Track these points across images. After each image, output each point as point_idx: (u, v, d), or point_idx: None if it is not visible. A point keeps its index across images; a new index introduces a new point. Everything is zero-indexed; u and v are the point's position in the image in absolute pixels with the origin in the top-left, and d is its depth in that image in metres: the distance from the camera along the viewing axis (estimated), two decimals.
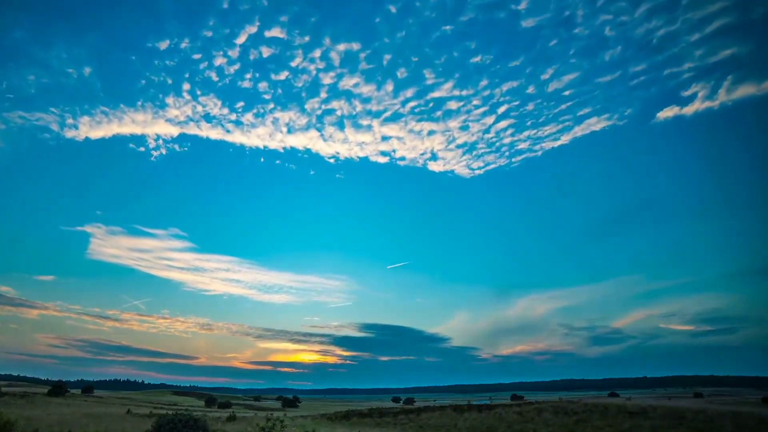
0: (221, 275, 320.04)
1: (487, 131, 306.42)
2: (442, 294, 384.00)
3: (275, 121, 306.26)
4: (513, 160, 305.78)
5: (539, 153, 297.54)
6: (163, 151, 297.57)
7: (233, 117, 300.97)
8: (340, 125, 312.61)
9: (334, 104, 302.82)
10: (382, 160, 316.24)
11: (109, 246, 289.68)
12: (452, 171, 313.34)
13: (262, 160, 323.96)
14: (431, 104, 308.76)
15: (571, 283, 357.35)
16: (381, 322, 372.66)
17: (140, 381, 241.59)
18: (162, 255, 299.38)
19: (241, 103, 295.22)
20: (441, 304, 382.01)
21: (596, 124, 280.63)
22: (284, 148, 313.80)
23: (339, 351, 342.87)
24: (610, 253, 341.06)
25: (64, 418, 25.15)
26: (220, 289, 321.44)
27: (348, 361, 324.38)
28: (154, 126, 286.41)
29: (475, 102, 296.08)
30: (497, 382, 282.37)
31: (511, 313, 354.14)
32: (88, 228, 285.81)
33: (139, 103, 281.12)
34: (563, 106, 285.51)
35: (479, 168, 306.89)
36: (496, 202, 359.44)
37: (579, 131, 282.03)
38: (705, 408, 29.48)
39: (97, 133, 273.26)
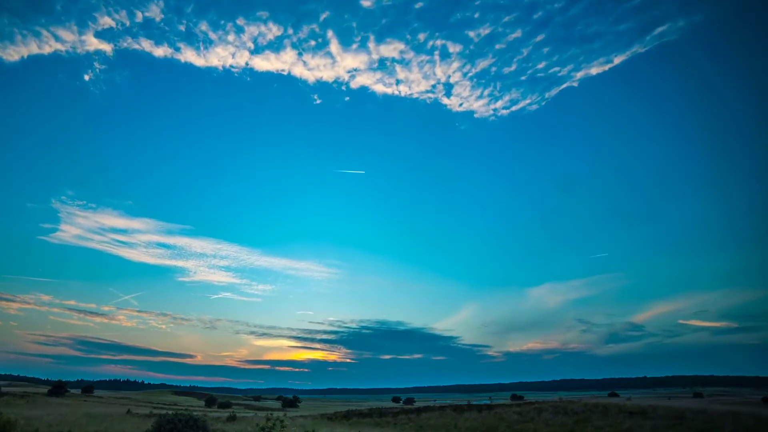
0: (208, 262, 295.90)
1: (518, 51, 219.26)
2: (448, 284, 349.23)
3: (239, 31, 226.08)
4: (546, 95, 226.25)
5: (576, 82, 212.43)
6: (104, 87, 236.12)
7: (182, 27, 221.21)
8: (323, 38, 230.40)
9: (312, 5, 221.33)
10: (382, 90, 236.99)
11: (80, 227, 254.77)
12: (471, 112, 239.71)
13: (223, 95, 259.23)
14: (445, 4, 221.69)
15: (592, 271, 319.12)
16: (382, 317, 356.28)
17: (140, 381, 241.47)
18: (143, 239, 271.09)
19: (190, 6, 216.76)
20: (447, 296, 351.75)
21: (670, 34, 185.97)
22: (252, 74, 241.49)
23: (339, 349, 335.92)
24: (642, 233, 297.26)
25: (64, 418, 25.15)
26: (209, 278, 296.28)
27: (348, 360, 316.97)
28: (85, 45, 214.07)
29: (502, 1, 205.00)
30: (503, 382, 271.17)
31: (525, 305, 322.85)
32: (54, 204, 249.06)
33: (60, 5, 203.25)
34: (627, 5, 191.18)
35: (504, 108, 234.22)
36: (513, 163, 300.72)
37: (640, 48, 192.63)
38: (705, 408, 29.47)
39: (10, 55, 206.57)
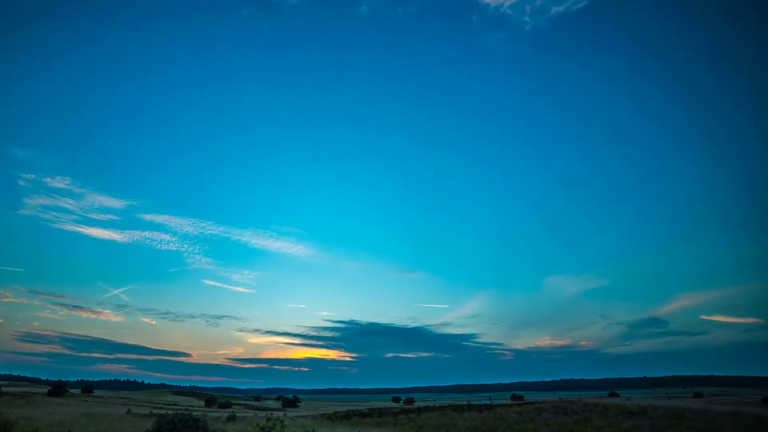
0: (193, 247, 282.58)
1: None
2: (455, 275, 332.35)
3: None
4: None
5: None
6: None
7: None
8: None
9: None
10: None
11: (43, 203, 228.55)
12: (504, 17, 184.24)
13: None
14: None
15: (611, 261, 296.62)
16: (383, 312, 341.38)
17: (140, 381, 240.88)
18: (115, 217, 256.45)
19: None
20: (454, 290, 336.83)
21: None
22: None
23: (338, 347, 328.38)
24: (669, 216, 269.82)
25: (64, 418, 25.16)
26: (196, 266, 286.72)
27: (348, 358, 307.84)
28: None
29: None
30: (503, 382, 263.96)
31: (541, 297, 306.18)
32: (7, 170, 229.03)
33: None
34: None
35: (543, 9, 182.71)
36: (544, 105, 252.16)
37: None
38: (705, 408, 29.46)
39: None
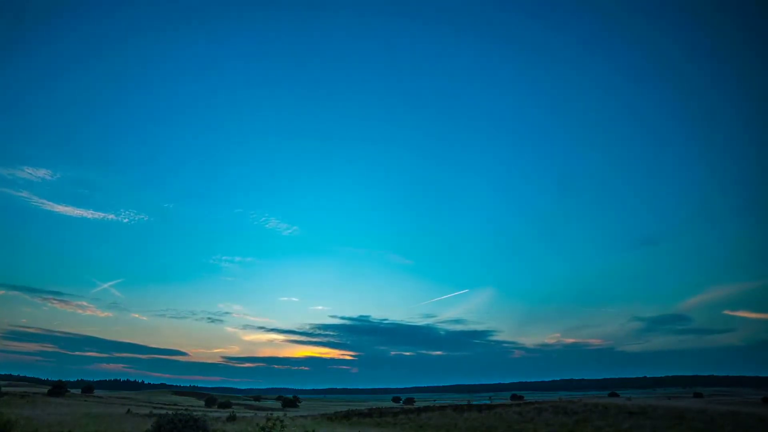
0: (178, 231, 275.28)
1: None
2: (460, 267, 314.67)
3: None
4: None
5: None
6: None
7: None
8: None
9: None
10: None
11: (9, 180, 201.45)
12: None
13: None
14: None
15: (631, 248, 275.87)
16: (385, 306, 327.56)
17: (140, 381, 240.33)
18: (86, 193, 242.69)
19: None
20: (458, 282, 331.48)
21: None
22: None
23: (337, 346, 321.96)
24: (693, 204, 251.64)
25: (64, 418, 25.16)
26: (185, 255, 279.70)
27: (348, 356, 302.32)
28: None
29: None
30: (503, 382, 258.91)
31: (552, 293, 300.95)
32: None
33: None
34: None
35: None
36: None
37: None
38: (705, 408, 29.46)
39: None
